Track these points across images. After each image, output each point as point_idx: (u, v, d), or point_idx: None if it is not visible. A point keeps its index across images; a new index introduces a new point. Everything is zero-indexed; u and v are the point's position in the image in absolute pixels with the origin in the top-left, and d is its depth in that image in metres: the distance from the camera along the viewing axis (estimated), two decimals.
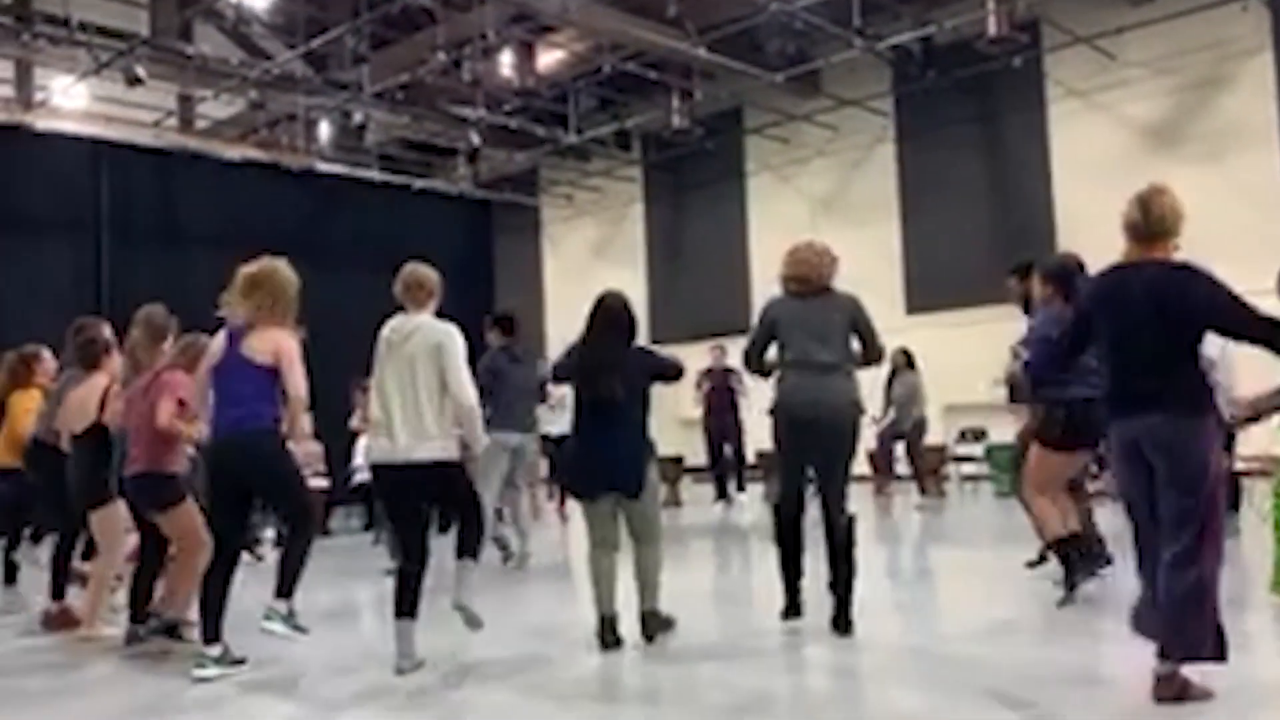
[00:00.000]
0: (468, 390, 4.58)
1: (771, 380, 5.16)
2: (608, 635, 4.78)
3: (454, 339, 4.60)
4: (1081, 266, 6.24)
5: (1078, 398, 5.24)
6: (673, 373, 5.11)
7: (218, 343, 4.81)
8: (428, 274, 4.78)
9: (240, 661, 4.64)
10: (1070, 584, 5.37)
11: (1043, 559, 6.35)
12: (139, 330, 5.46)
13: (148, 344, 5.38)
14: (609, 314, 4.97)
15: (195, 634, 4.93)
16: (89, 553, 6.07)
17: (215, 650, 4.59)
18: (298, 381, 4.69)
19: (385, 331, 4.72)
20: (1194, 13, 12.99)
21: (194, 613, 4.97)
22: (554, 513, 11.92)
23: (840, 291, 5.09)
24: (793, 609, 5.08)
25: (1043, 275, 5.67)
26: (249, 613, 4.79)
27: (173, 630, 5.26)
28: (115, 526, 5.68)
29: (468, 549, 4.69)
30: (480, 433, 4.76)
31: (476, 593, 4.78)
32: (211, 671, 4.53)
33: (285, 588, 4.68)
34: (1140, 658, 3.66)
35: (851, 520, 4.94)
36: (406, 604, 4.54)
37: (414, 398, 4.51)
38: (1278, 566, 5.16)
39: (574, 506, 12.34)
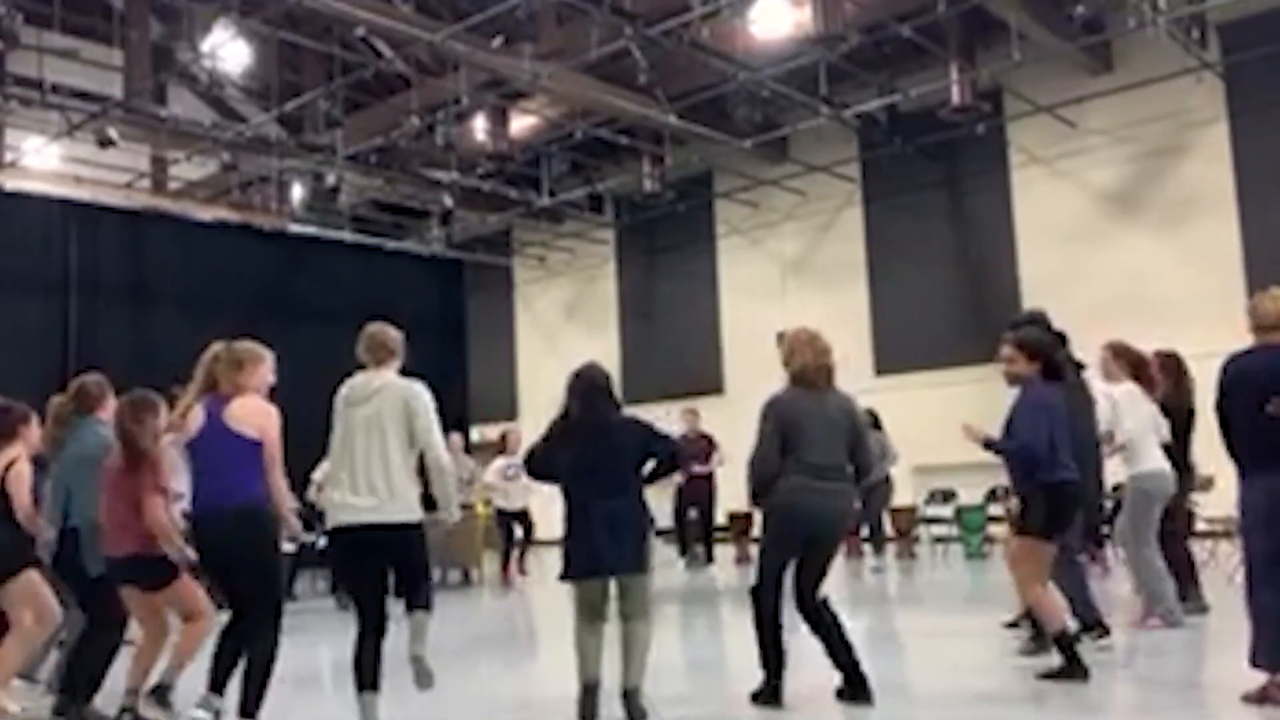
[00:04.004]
0: (441, 449, 4.55)
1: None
2: (588, 705, 4.55)
3: (424, 397, 4.55)
4: (1051, 328, 6.38)
5: (1057, 481, 5.27)
6: (669, 453, 4.89)
7: (196, 414, 4.69)
8: (392, 334, 4.73)
9: None
10: (1068, 673, 5.16)
11: (1016, 624, 6.36)
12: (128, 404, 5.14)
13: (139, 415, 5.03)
14: (591, 381, 4.82)
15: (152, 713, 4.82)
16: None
17: (218, 701, 4.44)
18: (279, 479, 4.61)
19: (345, 390, 4.65)
20: (1151, 84, 13.37)
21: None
22: (504, 581, 11.84)
23: (839, 390, 4.99)
24: (775, 698, 4.84)
25: (1026, 350, 5.44)
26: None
27: (161, 693, 4.93)
28: (40, 590, 5.37)
29: (420, 602, 4.54)
30: (453, 492, 4.68)
31: (439, 666, 4.62)
32: (204, 715, 4.37)
33: (250, 706, 4.38)
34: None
35: (825, 601, 4.89)
36: (369, 677, 4.42)
37: (382, 457, 4.44)
38: None
39: (525, 574, 12.36)
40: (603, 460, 4.66)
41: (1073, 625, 5.57)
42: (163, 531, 4.80)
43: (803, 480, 4.77)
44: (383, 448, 4.45)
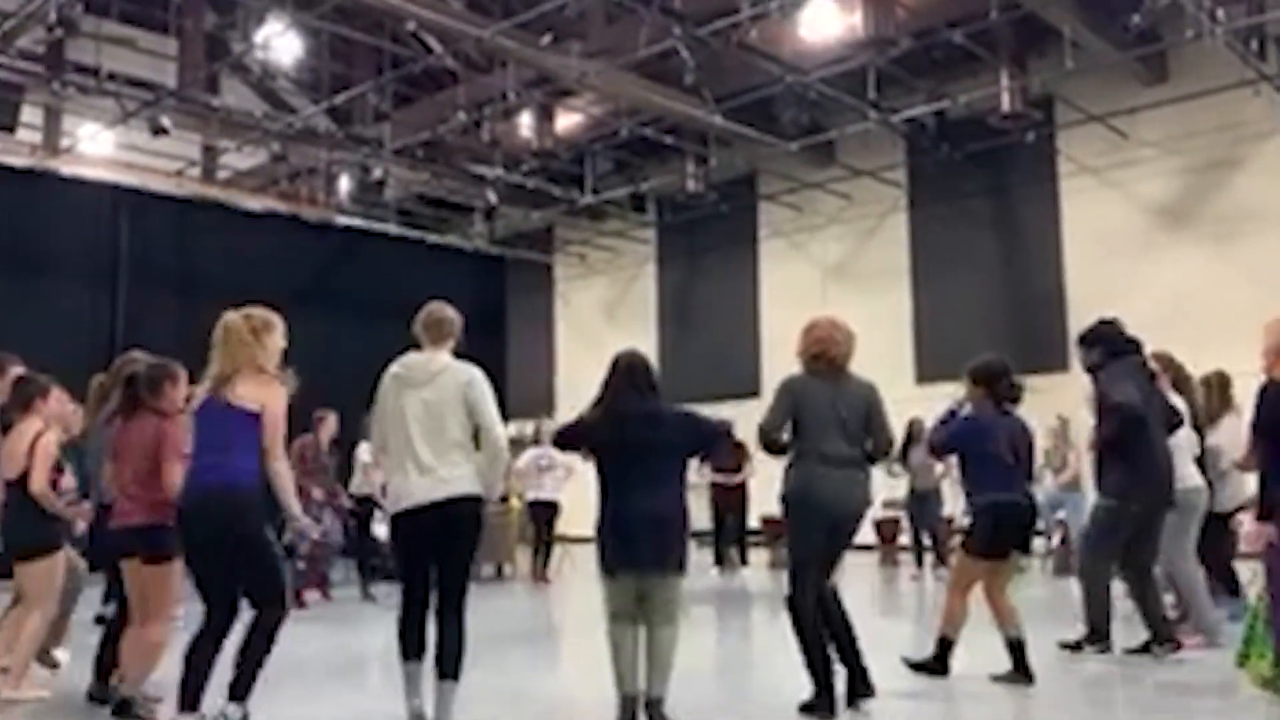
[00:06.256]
0: (500, 430, 4.51)
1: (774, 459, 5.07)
2: (628, 718, 4.50)
3: (483, 379, 4.52)
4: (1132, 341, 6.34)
5: (1000, 501, 5.49)
6: (720, 442, 5.06)
7: (200, 389, 4.54)
8: (449, 313, 4.68)
9: None
10: (928, 667, 5.59)
11: (1079, 646, 6.32)
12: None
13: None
14: (631, 368, 4.75)
15: (156, 709, 4.76)
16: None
17: (238, 712, 4.21)
18: (276, 441, 4.38)
19: (399, 370, 4.56)
20: (1206, 95, 13.14)
21: (151, 686, 4.81)
22: (537, 579, 11.86)
23: (859, 377, 4.98)
24: (829, 709, 4.74)
25: (970, 376, 5.81)
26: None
27: (125, 709, 4.74)
28: (52, 582, 5.36)
29: (449, 668, 4.34)
30: (501, 475, 4.64)
31: (468, 660, 4.45)
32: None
33: (241, 688, 4.22)
34: None
35: (835, 591, 4.93)
36: (413, 647, 4.42)
37: (443, 440, 4.39)
38: (1247, 641, 5.07)
39: (560, 571, 12.37)
40: (645, 451, 4.57)
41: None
42: (176, 492, 4.65)
43: (813, 468, 4.81)
44: (443, 431, 4.40)
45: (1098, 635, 6.18)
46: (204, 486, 4.35)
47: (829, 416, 4.81)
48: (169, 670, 4.84)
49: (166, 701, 4.55)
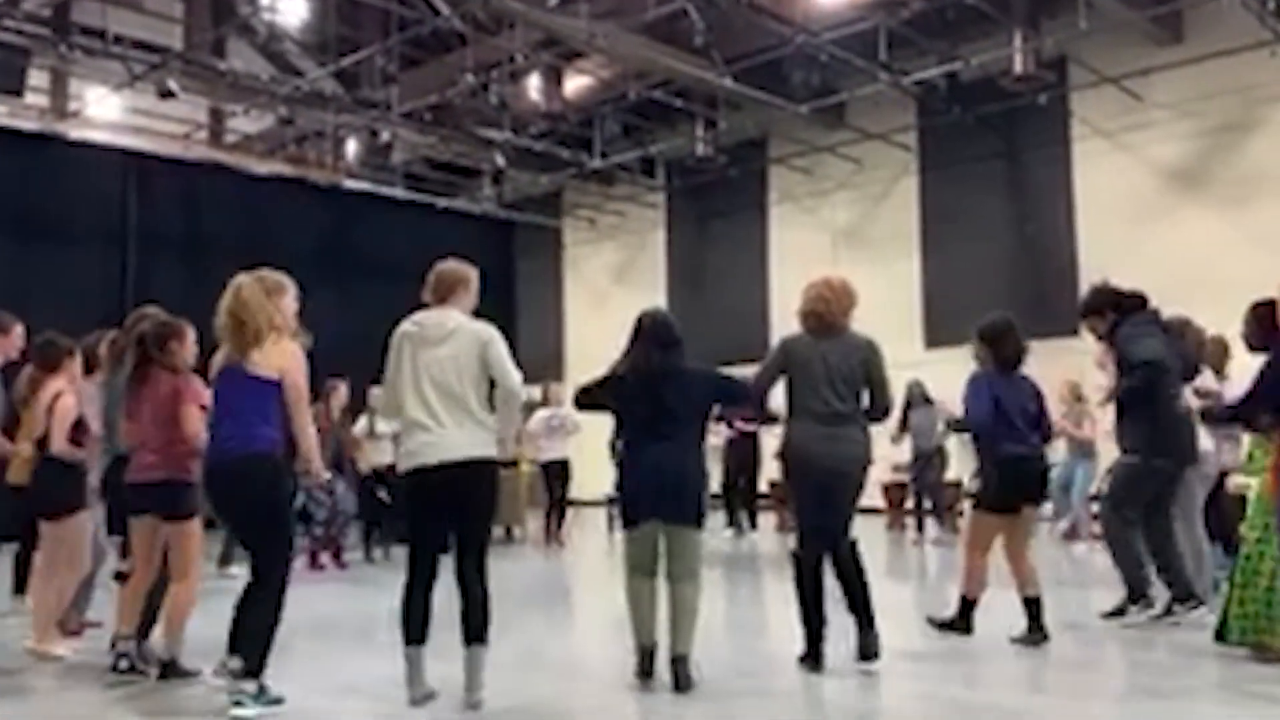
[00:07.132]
0: (516, 377, 4.48)
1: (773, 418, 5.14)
2: (646, 667, 4.57)
3: (500, 339, 4.49)
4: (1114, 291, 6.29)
5: (1010, 455, 5.48)
6: (740, 394, 5.04)
7: (219, 356, 4.57)
8: (450, 266, 4.63)
9: (278, 701, 4.27)
10: (952, 626, 5.71)
11: (1121, 611, 6.22)
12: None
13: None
14: (654, 325, 4.83)
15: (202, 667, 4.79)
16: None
17: (253, 686, 4.21)
18: (301, 409, 4.43)
19: (411, 328, 4.49)
20: (1221, 56, 12.98)
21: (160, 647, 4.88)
22: (550, 539, 11.90)
23: (858, 334, 5.00)
24: (814, 659, 4.91)
25: (978, 335, 5.82)
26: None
27: (170, 668, 4.83)
28: (81, 538, 5.46)
29: (476, 632, 4.29)
30: (515, 420, 4.64)
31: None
32: (251, 711, 4.16)
33: (253, 664, 4.17)
34: None
35: (854, 545, 4.94)
36: (416, 631, 4.34)
37: (460, 395, 4.35)
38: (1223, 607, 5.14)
39: (574, 532, 12.42)
40: (667, 407, 4.64)
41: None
42: (200, 441, 4.75)
43: (807, 427, 4.90)
44: (458, 391, 4.37)
45: (1137, 594, 6.01)
46: (225, 454, 4.41)
47: (819, 372, 4.87)
48: (198, 630, 4.94)
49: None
